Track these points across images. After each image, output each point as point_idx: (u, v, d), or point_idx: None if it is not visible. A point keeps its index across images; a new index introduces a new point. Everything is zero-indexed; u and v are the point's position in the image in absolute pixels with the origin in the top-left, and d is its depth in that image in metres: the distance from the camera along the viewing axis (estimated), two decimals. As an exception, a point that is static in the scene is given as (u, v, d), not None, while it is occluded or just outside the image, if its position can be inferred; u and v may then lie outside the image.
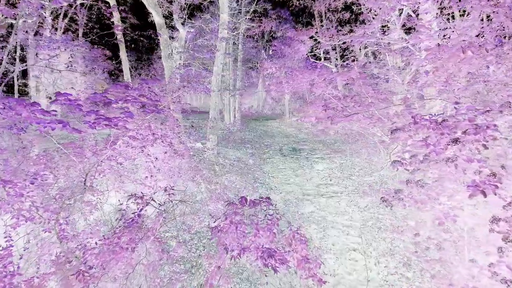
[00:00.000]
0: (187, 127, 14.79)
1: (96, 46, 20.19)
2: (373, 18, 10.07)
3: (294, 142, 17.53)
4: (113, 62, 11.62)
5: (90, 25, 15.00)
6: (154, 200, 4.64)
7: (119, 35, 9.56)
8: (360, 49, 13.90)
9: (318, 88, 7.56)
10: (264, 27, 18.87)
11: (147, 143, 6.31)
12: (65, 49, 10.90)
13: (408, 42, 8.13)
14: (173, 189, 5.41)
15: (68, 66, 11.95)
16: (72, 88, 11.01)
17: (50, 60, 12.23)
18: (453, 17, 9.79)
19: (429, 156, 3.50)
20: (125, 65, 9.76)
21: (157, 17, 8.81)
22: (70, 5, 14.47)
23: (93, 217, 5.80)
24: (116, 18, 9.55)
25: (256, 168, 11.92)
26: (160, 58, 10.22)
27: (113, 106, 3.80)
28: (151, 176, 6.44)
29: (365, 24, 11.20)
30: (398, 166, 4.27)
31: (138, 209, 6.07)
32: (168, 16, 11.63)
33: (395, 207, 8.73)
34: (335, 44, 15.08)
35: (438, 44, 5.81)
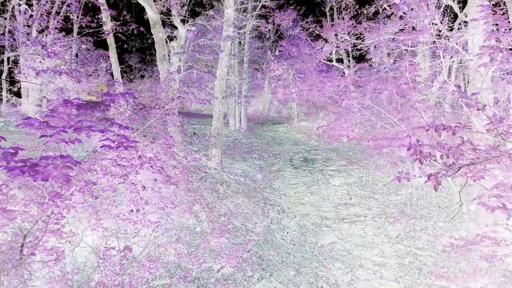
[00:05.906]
0: (189, 135, 13.41)
1: (96, 47, 18.95)
2: (404, 14, 8.65)
3: (305, 150, 16.10)
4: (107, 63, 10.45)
5: (82, 24, 13.79)
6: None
7: (109, 35, 8.29)
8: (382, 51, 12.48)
9: (349, 98, 6.16)
10: (275, 21, 17.32)
11: (131, 169, 4.96)
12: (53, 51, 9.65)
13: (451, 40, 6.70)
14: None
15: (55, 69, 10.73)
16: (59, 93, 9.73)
17: (37, 62, 11.04)
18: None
19: None
20: (116, 69, 8.52)
21: (150, 12, 7.50)
22: (63, 2, 13.30)
23: (59, 267, 4.46)
24: (104, 15, 8.27)
25: (266, 184, 10.54)
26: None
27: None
28: (137, 210, 5.08)
29: (389, 18, 9.79)
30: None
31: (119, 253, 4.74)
32: (167, 13, 10.37)
33: (437, 240, 7.27)
34: (354, 46, 13.67)
35: None
